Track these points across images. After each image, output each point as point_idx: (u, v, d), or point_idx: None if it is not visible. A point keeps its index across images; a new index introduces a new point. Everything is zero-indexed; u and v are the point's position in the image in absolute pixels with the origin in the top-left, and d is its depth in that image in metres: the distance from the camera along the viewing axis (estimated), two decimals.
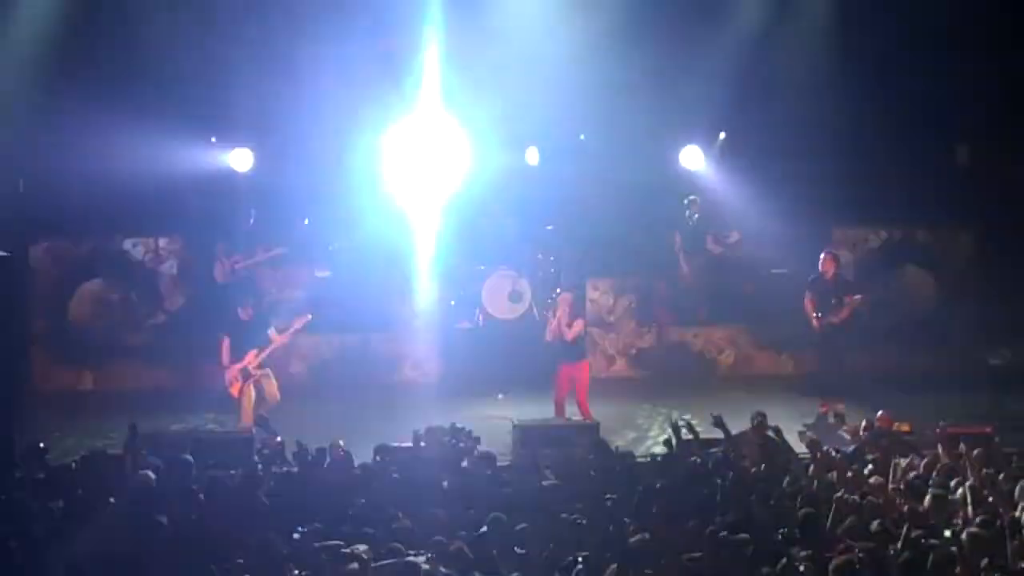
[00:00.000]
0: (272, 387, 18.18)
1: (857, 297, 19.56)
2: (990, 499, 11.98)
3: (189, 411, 18.72)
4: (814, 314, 19.34)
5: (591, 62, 21.52)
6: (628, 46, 21.52)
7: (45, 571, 10.76)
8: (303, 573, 10.57)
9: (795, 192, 21.95)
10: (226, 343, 18.12)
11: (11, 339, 16.04)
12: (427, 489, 12.87)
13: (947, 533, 11.26)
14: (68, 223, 21.63)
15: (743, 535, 10.84)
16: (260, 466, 14.02)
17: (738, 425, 14.81)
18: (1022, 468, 13.34)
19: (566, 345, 18.06)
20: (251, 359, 18.06)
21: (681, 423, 14.57)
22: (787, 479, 12.85)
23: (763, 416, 14.91)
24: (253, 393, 18.04)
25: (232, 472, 13.79)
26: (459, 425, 15.68)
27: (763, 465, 13.56)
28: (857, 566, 10.11)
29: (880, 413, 15.75)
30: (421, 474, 13.44)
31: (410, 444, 15.23)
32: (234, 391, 18.09)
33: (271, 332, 18.36)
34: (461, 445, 15.04)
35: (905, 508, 11.86)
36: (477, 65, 21.62)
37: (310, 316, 18.83)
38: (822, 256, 19.83)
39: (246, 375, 18.02)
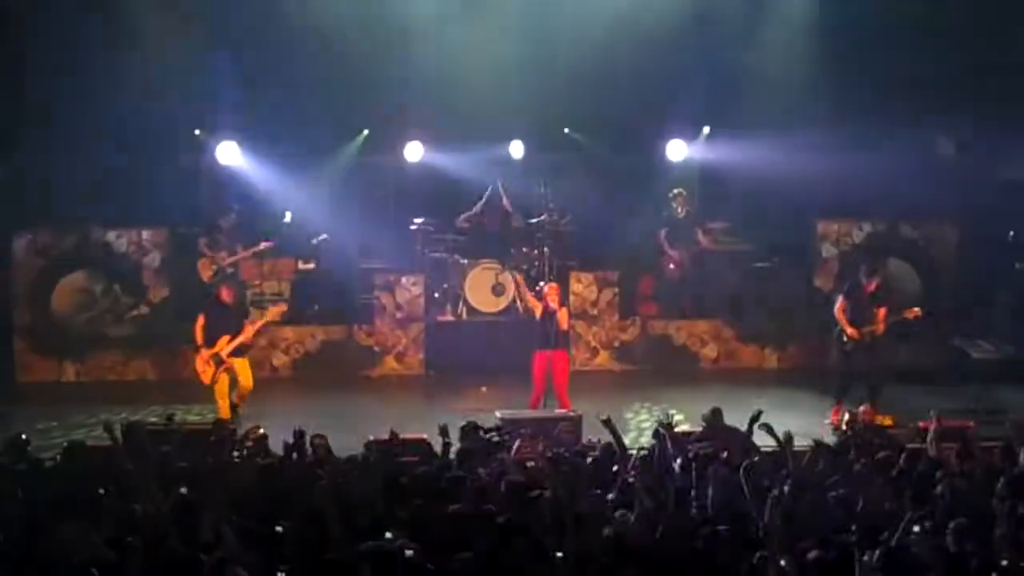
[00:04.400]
0: (246, 375, 18.13)
1: (916, 310, 19.15)
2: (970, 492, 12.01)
3: (171, 403, 18.64)
4: (848, 323, 18.92)
5: (578, 54, 21.62)
6: (612, 39, 21.60)
7: (27, 563, 10.70)
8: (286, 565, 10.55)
9: (779, 186, 21.98)
10: (200, 322, 18.16)
11: None
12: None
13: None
14: (51, 215, 21.56)
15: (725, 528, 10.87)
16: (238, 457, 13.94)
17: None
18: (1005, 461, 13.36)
19: (544, 334, 18.05)
20: (223, 345, 18.04)
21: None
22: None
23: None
24: (227, 382, 18.05)
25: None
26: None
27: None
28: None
29: (863, 407, 15.72)
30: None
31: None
32: (205, 379, 18.12)
33: (246, 322, 18.40)
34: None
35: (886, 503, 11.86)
36: (466, 54, 21.64)
37: (284, 307, 18.96)
38: (866, 270, 19.20)
39: (218, 362, 18.03)
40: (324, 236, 22.38)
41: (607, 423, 14.07)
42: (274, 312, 18.83)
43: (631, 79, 22.17)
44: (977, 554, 10.39)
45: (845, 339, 18.73)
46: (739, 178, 22.89)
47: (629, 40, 21.76)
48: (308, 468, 13.29)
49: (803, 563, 10.18)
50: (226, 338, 18.09)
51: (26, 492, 12.45)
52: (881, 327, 18.67)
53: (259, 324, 18.66)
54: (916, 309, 19.02)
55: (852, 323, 18.65)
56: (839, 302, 18.95)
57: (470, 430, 14.58)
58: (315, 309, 22.28)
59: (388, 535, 10.71)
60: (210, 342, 18.09)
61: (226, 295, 18.32)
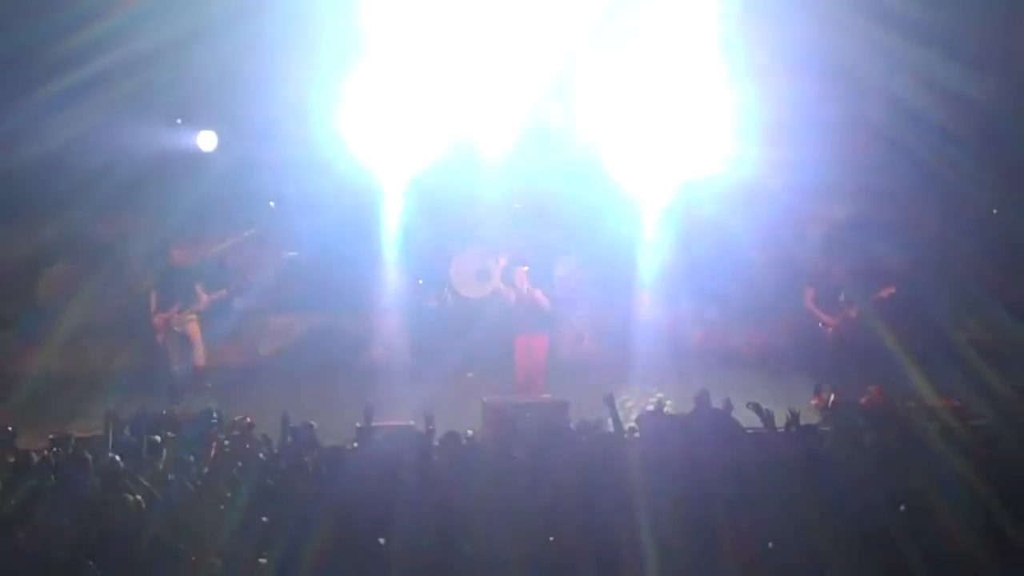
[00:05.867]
0: (194, 331, 19.33)
1: (890, 289, 19.11)
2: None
3: (158, 392, 18.63)
4: (821, 312, 18.75)
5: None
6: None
7: (13, 555, 10.70)
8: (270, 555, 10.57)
9: (763, 168, 21.95)
10: (153, 296, 19.44)
11: None
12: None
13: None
14: (34, 206, 21.48)
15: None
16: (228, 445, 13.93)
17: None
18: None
19: (523, 317, 18.14)
20: (173, 314, 19.20)
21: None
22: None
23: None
24: (176, 339, 19.29)
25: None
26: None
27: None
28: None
29: (872, 388, 15.70)
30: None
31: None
32: (159, 339, 19.36)
33: (198, 289, 19.35)
34: None
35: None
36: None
37: (225, 291, 19.66)
38: (830, 261, 19.53)
39: (168, 326, 19.17)
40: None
41: (608, 400, 14.21)
42: (215, 295, 19.38)
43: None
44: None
45: (821, 325, 18.75)
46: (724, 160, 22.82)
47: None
48: (295, 458, 13.32)
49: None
50: (177, 307, 19.20)
51: (13, 484, 12.45)
52: (853, 313, 18.66)
53: (206, 301, 19.41)
54: (888, 288, 19.01)
55: (824, 312, 18.67)
56: (807, 293, 18.99)
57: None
58: (301, 297, 22.19)
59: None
60: (162, 309, 19.23)
61: (179, 257, 18.89)
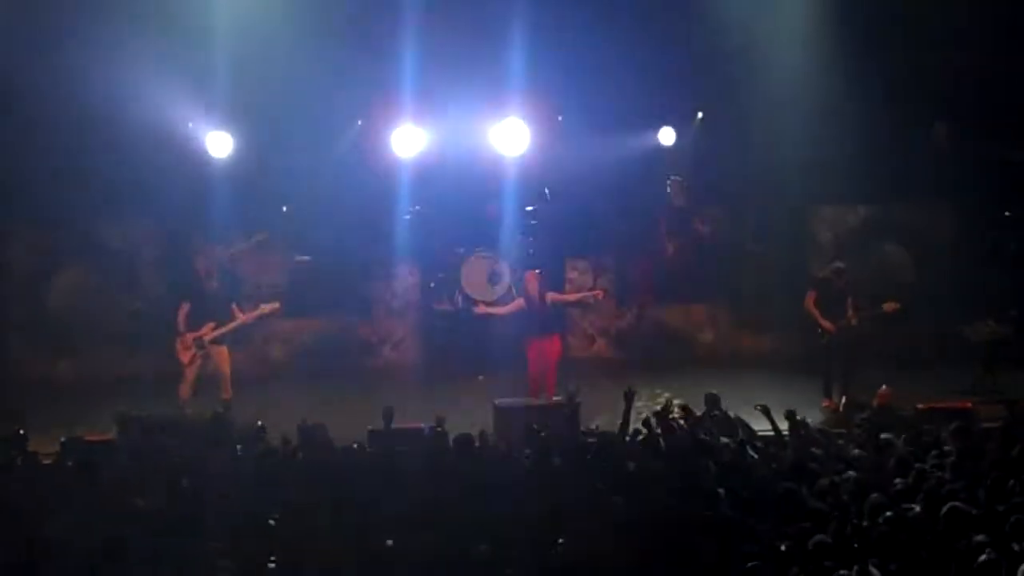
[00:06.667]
0: (224, 363, 18.31)
1: (894, 304, 18.77)
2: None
3: (168, 397, 18.62)
4: (821, 315, 18.53)
5: (566, 41, 21.45)
6: (605, 24, 21.45)
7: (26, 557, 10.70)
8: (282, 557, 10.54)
9: (773, 171, 21.92)
10: (184, 309, 18.27)
11: None
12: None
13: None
14: (44, 211, 21.46)
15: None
16: (240, 449, 13.95)
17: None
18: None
19: (536, 320, 18.09)
20: (207, 331, 18.18)
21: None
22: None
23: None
24: (199, 364, 18.25)
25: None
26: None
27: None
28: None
29: (882, 389, 15.62)
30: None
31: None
32: (184, 359, 18.24)
33: (234, 308, 18.41)
34: None
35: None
36: (449, 42, 21.43)
37: (278, 304, 18.87)
38: (836, 265, 19.30)
39: (199, 345, 18.19)
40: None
41: (628, 396, 14.16)
42: (266, 308, 18.70)
43: (623, 63, 21.99)
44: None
45: (820, 331, 18.53)
46: (733, 163, 22.81)
47: (620, 22, 21.59)
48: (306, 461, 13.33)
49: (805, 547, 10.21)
50: (211, 325, 18.20)
51: (24, 488, 12.45)
52: (854, 319, 18.47)
53: (251, 316, 18.59)
54: (894, 303, 18.76)
55: (825, 316, 18.45)
56: (809, 295, 18.76)
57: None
58: (312, 300, 22.18)
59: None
60: (194, 327, 18.20)
61: (205, 270, 18.55)
